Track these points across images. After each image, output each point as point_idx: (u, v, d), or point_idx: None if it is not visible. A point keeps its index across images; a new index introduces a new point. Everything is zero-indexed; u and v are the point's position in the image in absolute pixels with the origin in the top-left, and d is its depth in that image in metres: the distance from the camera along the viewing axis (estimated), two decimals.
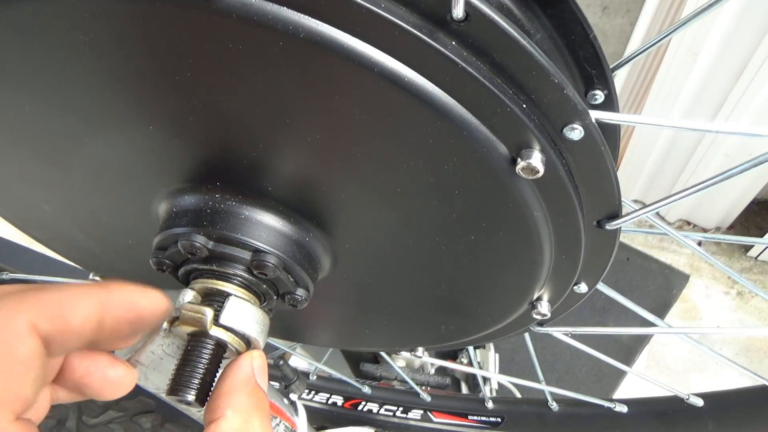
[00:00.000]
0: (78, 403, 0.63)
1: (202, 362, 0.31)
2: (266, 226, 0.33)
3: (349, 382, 0.80)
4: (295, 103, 0.25)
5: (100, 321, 0.26)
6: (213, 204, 0.33)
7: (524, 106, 0.25)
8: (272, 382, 0.70)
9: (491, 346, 1.12)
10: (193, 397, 0.30)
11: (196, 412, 0.45)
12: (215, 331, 0.31)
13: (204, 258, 0.33)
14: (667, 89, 1.52)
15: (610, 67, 0.30)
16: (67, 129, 0.31)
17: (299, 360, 0.87)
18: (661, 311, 1.73)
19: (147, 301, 0.28)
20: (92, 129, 0.30)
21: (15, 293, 0.23)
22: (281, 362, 0.60)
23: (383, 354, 0.78)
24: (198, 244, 0.32)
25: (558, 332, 0.43)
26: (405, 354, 0.93)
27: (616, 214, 0.30)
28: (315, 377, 0.82)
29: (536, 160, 0.26)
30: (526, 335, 0.53)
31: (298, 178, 0.30)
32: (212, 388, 0.31)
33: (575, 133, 0.26)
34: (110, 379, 0.28)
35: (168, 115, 0.28)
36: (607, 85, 0.30)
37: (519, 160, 0.26)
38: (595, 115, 0.26)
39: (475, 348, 1.10)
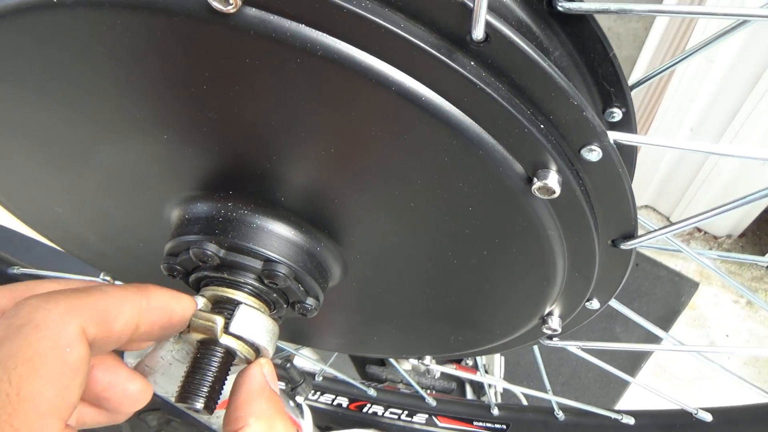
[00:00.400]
0: None
1: (211, 370, 0.31)
2: (278, 236, 0.33)
3: (355, 384, 0.80)
4: (311, 118, 0.25)
5: (138, 326, 0.26)
6: (225, 212, 0.33)
7: (542, 126, 0.25)
8: (279, 383, 0.71)
9: None
10: (202, 405, 0.30)
11: (205, 418, 0.45)
12: (225, 340, 0.31)
13: (215, 266, 0.33)
14: (679, 100, 1.51)
15: (629, 85, 0.30)
16: (83, 136, 0.31)
17: (304, 361, 0.88)
18: (669, 319, 1.72)
19: (180, 306, 0.29)
20: (107, 136, 0.30)
21: (64, 296, 0.23)
22: (288, 365, 0.60)
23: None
24: (209, 253, 0.32)
25: (568, 346, 0.42)
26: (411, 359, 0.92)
27: (631, 234, 0.30)
28: (321, 378, 0.82)
29: (553, 180, 0.25)
30: (536, 348, 0.53)
31: (311, 190, 0.30)
32: (221, 397, 0.31)
33: (593, 154, 0.25)
34: (129, 393, 0.28)
35: (183, 125, 0.28)
36: (626, 103, 0.30)
37: (535, 180, 0.26)
38: (613, 136, 0.25)
39: None
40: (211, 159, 0.30)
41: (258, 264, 0.33)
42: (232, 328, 0.32)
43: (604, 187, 0.27)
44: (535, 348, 0.53)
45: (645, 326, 0.40)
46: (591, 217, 0.28)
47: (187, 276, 0.35)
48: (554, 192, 0.26)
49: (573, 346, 0.42)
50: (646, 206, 1.96)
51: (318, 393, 0.82)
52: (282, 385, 0.63)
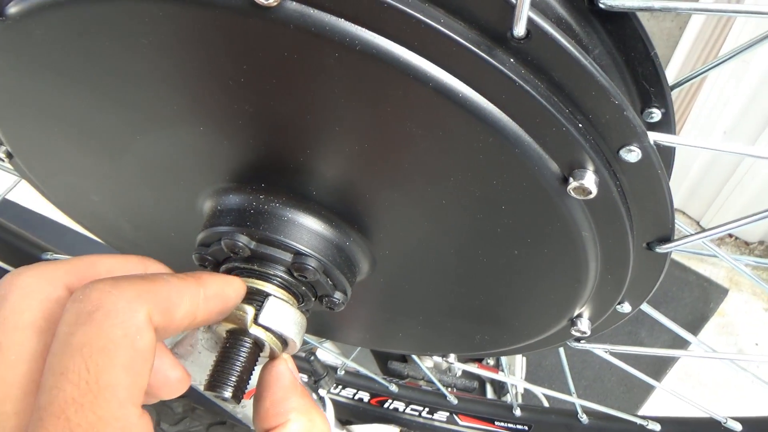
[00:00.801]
0: None
1: (240, 360, 0.32)
2: (308, 229, 0.33)
3: (377, 379, 0.80)
4: (347, 112, 0.25)
5: (195, 316, 0.26)
6: (257, 205, 0.33)
7: (580, 125, 0.24)
8: (302, 375, 0.71)
9: None
10: (230, 394, 0.31)
11: (231, 407, 0.46)
12: (255, 330, 0.32)
13: (246, 257, 0.33)
14: (713, 102, 1.47)
15: (670, 85, 0.29)
16: (120, 125, 0.31)
17: (327, 354, 0.88)
18: (696, 324, 1.68)
19: (233, 290, 0.29)
20: (145, 126, 0.31)
21: (131, 282, 0.23)
22: (312, 357, 0.60)
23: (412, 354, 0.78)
24: (240, 244, 0.32)
25: (596, 349, 0.42)
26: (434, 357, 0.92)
27: (667, 238, 0.29)
28: (343, 372, 0.82)
29: (589, 180, 0.25)
30: (561, 350, 0.53)
31: (343, 185, 0.30)
32: (248, 387, 0.32)
33: (632, 155, 0.25)
34: (170, 380, 0.28)
35: (219, 117, 0.28)
36: (665, 104, 0.29)
37: (571, 179, 0.25)
38: (653, 137, 0.25)
39: None
40: (245, 152, 0.30)
41: (288, 257, 0.33)
42: (261, 319, 0.32)
43: (641, 189, 0.27)
44: (561, 350, 0.53)
45: (674, 330, 0.40)
46: (627, 219, 0.28)
47: (217, 266, 0.35)
48: (590, 192, 0.25)
49: (600, 350, 0.42)
50: (676, 209, 1.92)
51: (340, 387, 0.82)
52: (305, 377, 0.64)
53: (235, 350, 0.32)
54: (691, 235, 0.29)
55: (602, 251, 0.30)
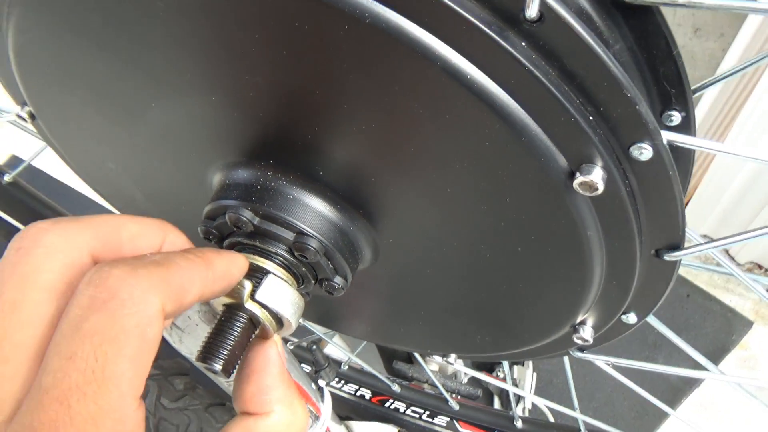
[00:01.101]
0: None
1: (233, 334, 0.31)
2: (312, 210, 0.33)
3: (380, 377, 0.79)
4: (354, 88, 0.25)
5: (202, 296, 0.26)
6: (264, 181, 0.33)
7: (590, 118, 0.24)
8: (303, 365, 0.71)
9: (530, 364, 1.09)
10: (221, 367, 0.31)
11: (224, 382, 0.46)
12: (250, 305, 0.32)
13: (248, 233, 0.33)
14: (757, 117, 1.42)
15: (692, 88, 0.28)
16: (137, 91, 0.32)
17: (334, 348, 0.88)
18: (717, 355, 1.63)
19: (237, 268, 0.29)
20: (159, 93, 0.31)
21: (146, 270, 0.22)
22: (314, 347, 0.60)
23: (417, 355, 0.78)
24: (244, 218, 0.32)
25: (599, 360, 0.41)
26: (438, 359, 0.91)
27: (677, 245, 0.28)
28: (347, 367, 0.82)
29: (597, 176, 0.24)
30: (566, 359, 0.51)
31: (349, 166, 0.30)
32: (238, 366, 0.32)
33: (643, 153, 0.24)
34: None
35: (230, 87, 0.28)
36: (686, 107, 0.28)
37: (578, 174, 0.25)
38: (667, 136, 0.24)
39: (512, 364, 1.08)
40: (254, 125, 0.30)
41: (290, 236, 0.33)
42: (258, 296, 0.32)
43: (651, 191, 0.26)
44: (567, 365, 0.51)
45: (690, 353, 0.38)
46: (635, 221, 0.27)
47: (221, 241, 0.35)
48: (597, 189, 0.24)
49: (602, 361, 0.41)
50: (704, 235, 1.87)
51: (342, 381, 0.82)
52: (307, 367, 0.64)
53: (230, 324, 0.32)
54: (701, 244, 0.28)
55: (608, 255, 0.29)
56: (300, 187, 0.33)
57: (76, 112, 0.37)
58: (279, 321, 0.33)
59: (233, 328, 0.31)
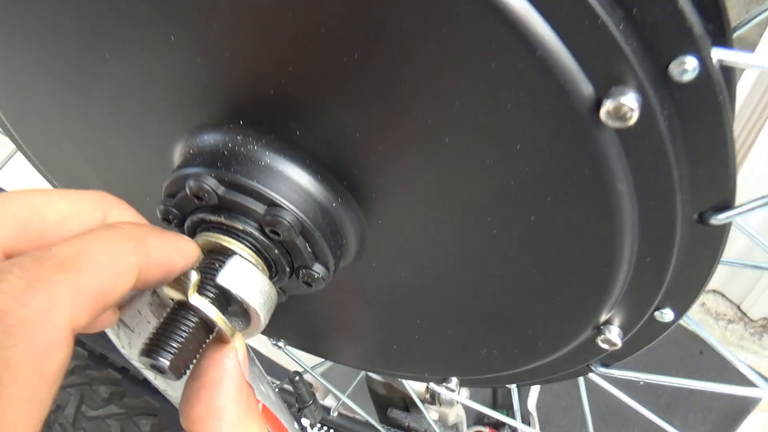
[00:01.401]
0: (81, 392, 0.59)
1: (182, 333, 0.26)
2: (288, 179, 0.28)
3: (375, 425, 0.72)
4: (331, 11, 0.21)
5: (134, 288, 0.22)
6: (232, 146, 0.28)
7: (621, 26, 0.19)
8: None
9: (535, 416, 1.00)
10: (168, 363, 0.25)
11: (172, 395, 0.39)
12: (196, 301, 0.26)
13: (213, 206, 0.29)
14: None
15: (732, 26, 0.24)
16: (87, 40, 0.28)
17: (321, 396, 0.80)
18: (735, 418, 1.52)
19: (181, 258, 0.24)
20: (113, 38, 0.27)
21: (37, 282, 0.18)
22: (296, 377, 0.53)
23: (416, 400, 0.70)
24: (207, 187, 0.27)
25: (628, 376, 0.34)
26: (437, 407, 0.83)
27: (727, 204, 0.23)
28: (336, 414, 0.74)
29: (630, 99, 0.19)
30: (582, 387, 0.45)
31: (329, 117, 0.26)
32: (189, 373, 0.26)
33: (686, 72, 0.20)
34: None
35: (191, 21, 0.24)
36: (720, 15, 0.23)
37: (606, 100, 0.20)
38: (716, 54, 0.19)
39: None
40: (220, 73, 0.26)
41: (261, 208, 0.28)
42: (220, 279, 0.27)
43: (695, 128, 0.21)
44: (582, 386, 0.45)
45: (738, 366, 0.32)
46: (675, 167, 0.22)
47: (182, 223, 0.30)
48: (630, 117, 0.20)
49: (632, 377, 0.34)
50: (714, 291, 1.79)
51: (332, 431, 0.74)
52: (289, 404, 0.56)
53: (177, 321, 0.26)
54: (756, 200, 0.23)
55: (641, 219, 0.24)
56: (274, 152, 0.28)
57: (25, 83, 0.33)
58: (244, 311, 0.28)
59: (182, 327, 0.26)
